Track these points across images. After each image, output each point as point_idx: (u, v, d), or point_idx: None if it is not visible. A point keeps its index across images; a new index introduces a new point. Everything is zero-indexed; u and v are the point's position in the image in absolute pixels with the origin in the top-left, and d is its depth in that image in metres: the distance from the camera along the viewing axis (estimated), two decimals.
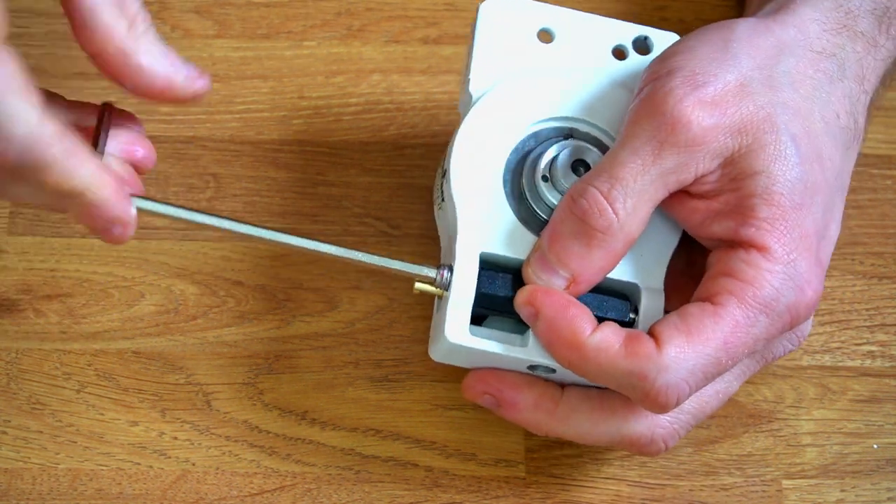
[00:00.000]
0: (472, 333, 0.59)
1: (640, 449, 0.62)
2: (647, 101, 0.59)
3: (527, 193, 0.61)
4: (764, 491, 0.66)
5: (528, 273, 0.59)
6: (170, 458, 0.65)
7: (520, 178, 0.61)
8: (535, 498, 0.65)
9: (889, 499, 0.66)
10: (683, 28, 0.74)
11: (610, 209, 0.58)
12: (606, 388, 0.60)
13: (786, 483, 0.66)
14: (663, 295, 0.61)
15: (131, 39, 0.55)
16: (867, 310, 0.70)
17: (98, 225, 0.55)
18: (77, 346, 0.66)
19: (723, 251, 0.59)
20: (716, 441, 0.67)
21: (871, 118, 0.64)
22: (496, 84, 0.62)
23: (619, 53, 0.64)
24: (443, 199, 0.62)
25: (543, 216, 0.61)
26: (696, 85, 0.58)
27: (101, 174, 0.54)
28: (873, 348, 0.69)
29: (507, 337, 0.60)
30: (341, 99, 0.72)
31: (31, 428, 0.65)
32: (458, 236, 0.60)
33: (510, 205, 0.61)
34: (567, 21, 0.64)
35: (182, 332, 0.67)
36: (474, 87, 0.62)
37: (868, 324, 0.69)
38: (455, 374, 0.67)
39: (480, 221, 0.60)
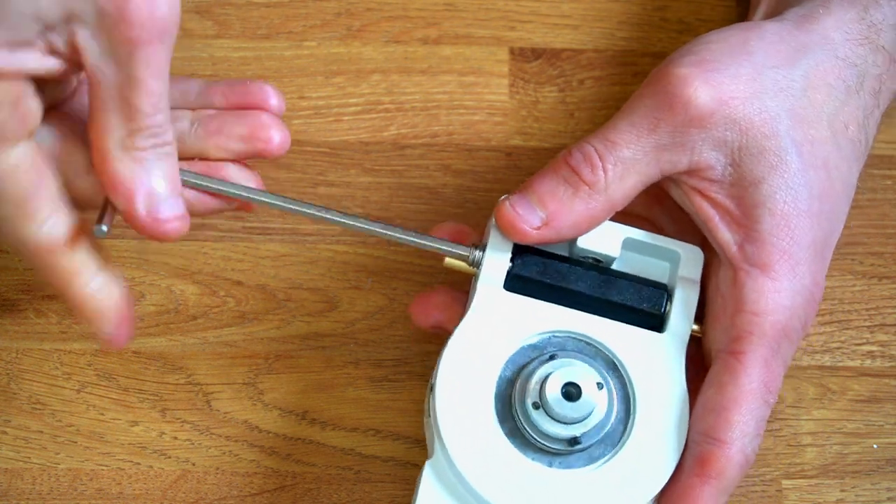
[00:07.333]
0: None
1: None
2: (653, 78, 0.60)
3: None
4: (764, 491, 0.66)
5: (506, 206, 0.60)
6: (170, 458, 0.65)
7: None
8: None
9: (889, 499, 0.66)
10: (683, 28, 0.74)
11: (601, 167, 0.59)
12: None
13: (786, 483, 0.66)
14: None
15: None
16: (867, 310, 0.70)
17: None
18: (77, 346, 0.66)
19: (728, 274, 0.60)
20: None
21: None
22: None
23: None
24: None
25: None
26: (705, 69, 0.59)
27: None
28: (873, 348, 0.69)
29: None
30: (341, 99, 0.72)
31: (32, 428, 0.65)
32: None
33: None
34: None
35: (182, 332, 0.67)
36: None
37: (868, 324, 0.69)
38: None
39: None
